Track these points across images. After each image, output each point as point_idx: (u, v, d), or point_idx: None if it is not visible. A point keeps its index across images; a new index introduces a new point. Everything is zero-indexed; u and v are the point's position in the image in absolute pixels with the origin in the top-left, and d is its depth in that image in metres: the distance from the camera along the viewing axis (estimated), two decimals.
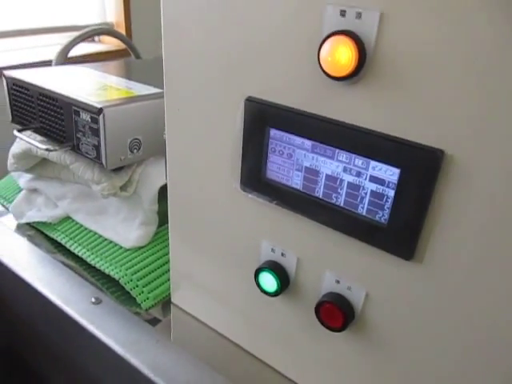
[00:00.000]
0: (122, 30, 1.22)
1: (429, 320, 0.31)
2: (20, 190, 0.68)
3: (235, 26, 0.32)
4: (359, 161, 0.29)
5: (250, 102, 0.33)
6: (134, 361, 0.44)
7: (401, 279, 0.31)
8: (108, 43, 1.23)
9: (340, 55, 0.27)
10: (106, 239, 0.57)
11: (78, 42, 0.74)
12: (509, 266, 0.26)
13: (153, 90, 0.55)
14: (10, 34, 1.07)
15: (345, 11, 0.27)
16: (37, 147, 0.54)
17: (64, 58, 0.71)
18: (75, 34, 1.22)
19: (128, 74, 0.63)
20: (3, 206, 0.69)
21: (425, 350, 0.32)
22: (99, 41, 1.26)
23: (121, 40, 0.83)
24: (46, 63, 1.09)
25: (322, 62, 0.28)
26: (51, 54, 1.13)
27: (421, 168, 0.27)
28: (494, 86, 0.24)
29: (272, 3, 0.30)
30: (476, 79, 0.24)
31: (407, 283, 0.31)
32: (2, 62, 1.03)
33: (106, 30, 0.82)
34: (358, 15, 0.26)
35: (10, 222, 0.66)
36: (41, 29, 1.12)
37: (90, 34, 0.77)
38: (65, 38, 1.22)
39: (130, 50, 0.83)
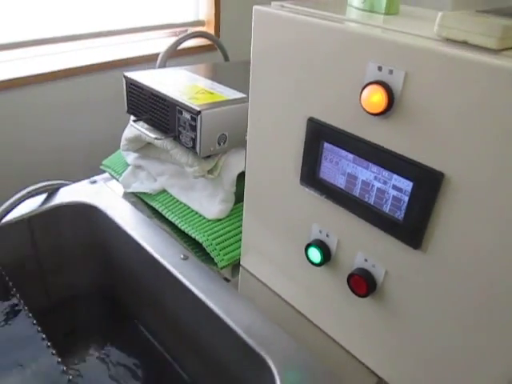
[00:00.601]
0: (212, 27, 1.36)
1: (431, 295, 0.41)
2: (127, 165, 0.85)
3: (306, 71, 0.44)
4: (385, 173, 0.40)
5: (311, 121, 0.45)
6: (210, 303, 0.59)
7: (411, 263, 0.42)
8: (198, 39, 1.38)
9: (375, 98, 0.38)
10: (193, 210, 0.73)
11: (178, 45, 0.88)
12: (492, 256, 0.36)
13: (239, 94, 0.68)
14: (115, 32, 1.26)
15: (381, 67, 0.38)
16: (146, 135, 0.70)
17: (165, 61, 0.86)
18: (172, 30, 1.38)
19: (219, 78, 0.77)
20: (111, 175, 0.87)
21: (428, 317, 0.43)
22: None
23: (214, 42, 0.97)
24: (149, 56, 1.26)
25: (362, 102, 0.39)
26: (153, 48, 1.30)
27: (427, 183, 0.37)
28: (481, 130, 0.33)
29: (332, 58, 0.41)
30: (467, 126, 0.34)
31: (415, 266, 0.42)
32: (110, 56, 1.22)
33: (203, 34, 0.96)
34: (390, 71, 0.37)
35: (118, 188, 0.84)
36: (140, 27, 1.29)
37: (188, 37, 0.91)
38: (163, 35, 1.39)
39: (220, 51, 0.97)
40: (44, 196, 0.79)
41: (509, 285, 0.35)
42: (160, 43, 1.35)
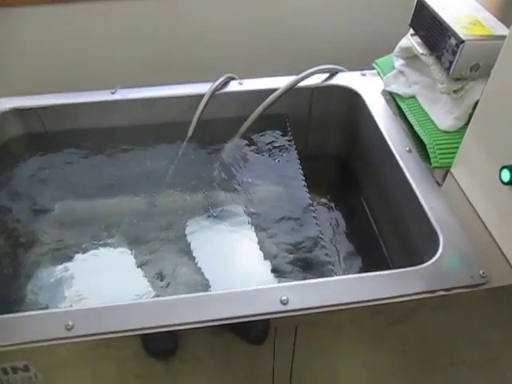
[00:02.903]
0: None
1: None
2: (393, 68, 1.05)
3: None
4: None
5: None
6: (416, 189, 0.80)
7: None
8: None
9: None
10: (429, 119, 0.90)
11: None
12: None
13: (506, 32, 0.78)
14: None
15: None
16: (416, 49, 0.88)
17: None
18: None
19: (500, 12, 0.85)
20: (378, 73, 1.09)
21: None
22: None
23: None
24: None
25: None
26: None
27: None
28: None
29: None
30: None
31: None
32: None
33: None
34: None
35: (379, 85, 1.06)
36: None
37: None
38: None
39: None
40: (326, 75, 1.07)
41: None
42: None
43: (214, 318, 0.61)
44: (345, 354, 0.76)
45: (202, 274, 0.88)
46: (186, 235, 0.94)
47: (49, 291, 0.85)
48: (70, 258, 0.91)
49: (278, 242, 0.88)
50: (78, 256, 0.91)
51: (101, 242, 0.94)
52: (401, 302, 0.64)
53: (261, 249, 0.89)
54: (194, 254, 0.91)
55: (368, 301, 0.63)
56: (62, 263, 0.89)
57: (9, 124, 0.99)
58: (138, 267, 0.89)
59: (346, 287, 0.65)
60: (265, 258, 0.87)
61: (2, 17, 1.12)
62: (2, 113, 0.97)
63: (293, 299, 0.63)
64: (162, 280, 0.87)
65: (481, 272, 0.67)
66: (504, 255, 0.69)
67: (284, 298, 0.63)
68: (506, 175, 0.65)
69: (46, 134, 1.02)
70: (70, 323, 0.60)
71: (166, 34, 1.25)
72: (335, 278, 0.67)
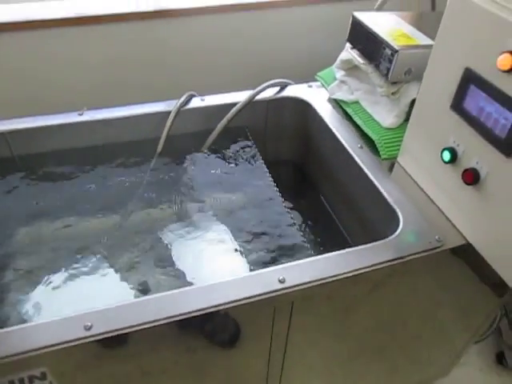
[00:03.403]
0: None
1: None
2: (334, 79, 1.20)
3: (470, 39, 0.70)
4: (501, 109, 0.66)
5: (467, 70, 0.72)
6: (371, 177, 0.93)
7: (504, 166, 0.69)
8: None
9: (506, 61, 0.63)
10: (373, 119, 1.05)
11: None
12: None
13: (429, 41, 0.94)
14: None
15: None
16: (357, 60, 1.02)
17: (382, 6, 1.14)
18: None
19: (420, 25, 1.02)
20: (322, 84, 1.23)
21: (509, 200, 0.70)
22: None
23: None
24: None
25: (498, 62, 0.65)
26: None
27: None
28: None
29: (489, 38, 0.67)
30: None
31: (506, 169, 0.68)
32: None
33: None
34: None
35: (325, 94, 1.19)
36: None
37: None
38: None
39: (431, 1, 1.20)
40: (278, 89, 1.19)
41: None
42: None
43: (224, 301, 0.67)
44: (332, 324, 0.85)
45: (185, 276, 0.93)
46: (162, 243, 0.99)
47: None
48: (39, 281, 0.90)
49: (256, 237, 0.96)
50: (50, 277, 0.91)
51: (74, 264, 0.95)
52: (378, 268, 0.75)
53: (242, 252, 0.96)
54: (172, 260, 0.96)
55: (351, 271, 0.74)
56: (31, 287, 0.89)
57: None
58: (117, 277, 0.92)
59: (332, 263, 0.75)
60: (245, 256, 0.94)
61: None
62: None
63: (288, 278, 0.71)
64: (143, 289, 0.91)
65: (436, 237, 0.80)
66: (451, 223, 0.84)
67: (281, 277, 0.71)
68: (446, 155, 0.80)
69: (13, 159, 1.02)
70: (89, 323, 0.63)
71: (129, 57, 1.32)
72: (322, 256, 0.76)
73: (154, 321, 0.65)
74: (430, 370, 1.21)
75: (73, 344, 0.62)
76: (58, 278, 0.92)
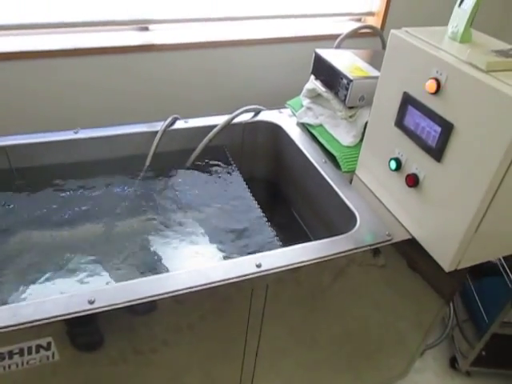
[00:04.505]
0: (380, 18, 1.76)
1: (446, 187, 0.84)
2: (301, 106, 1.37)
3: (408, 72, 0.88)
4: (431, 123, 0.84)
5: (405, 94, 0.90)
6: (334, 186, 1.08)
7: (436, 170, 0.85)
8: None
9: (431, 86, 0.81)
10: (335, 139, 1.21)
11: (352, 34, 1.34)
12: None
13: (378, 73, 1.13)
14: (305, 15, 1.74)
15: (437, 71, 0.81)
16: (320, 88, 1.20)
17: (340, 44, 1.34)
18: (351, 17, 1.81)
19: (371, 60, 1.22)
20: (291, 111, 1.40)
21: (445, 199, 0.86)
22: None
23: (378, 34, 1.40)
24: (329, 36, 1.73)
25: (426, 86, 0.82)
26: (333, 29, 1.76)
27: (446, 129, 0.80)
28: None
29: (420, 68, 0.85)
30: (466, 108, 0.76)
31: (437, 172, 0.85)
32: (301, 32, 1.72)
33: (373, 27, 1.41)
34: (440, 73, 0.80)
35: (293, 119, 1.36)
36: (324, 14, 1.76)
37: (360, 28, 1.37)
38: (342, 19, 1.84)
39: (381, 40, 1.40)
40: (252, 114, 1.35)
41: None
42: (339, 26, 1.80)
43: (209, 281, 0.79)
44: (301, 309, 0.98)
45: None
46: (149, 249, 1.10)
47: None
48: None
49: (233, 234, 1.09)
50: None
51: (63, 265, 1.05)
52: (339, 257, 0.89)
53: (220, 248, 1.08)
54: (157, 260, 1.07)
55: (318, 258, 0.87)
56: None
57: None
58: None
59: (301, 252, 0.89)
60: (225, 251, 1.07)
61: None
62: None
63: (264, 263, 0.84)
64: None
65: (387, 233, 0.95)
66: (398, 221, 0.99)
67: (258, 262, 0.84)
68: (393, 164, 0.96)
69: (11, 171, 1.13)
70: (93, 298, 0.74)
71: (119, 83, 1.47)
72: (293, 246, 0.90)
73: (149, 296, 0.76)
74: (387, 368, 1.33)
75: (78, 315, 0.72)
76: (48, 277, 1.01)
